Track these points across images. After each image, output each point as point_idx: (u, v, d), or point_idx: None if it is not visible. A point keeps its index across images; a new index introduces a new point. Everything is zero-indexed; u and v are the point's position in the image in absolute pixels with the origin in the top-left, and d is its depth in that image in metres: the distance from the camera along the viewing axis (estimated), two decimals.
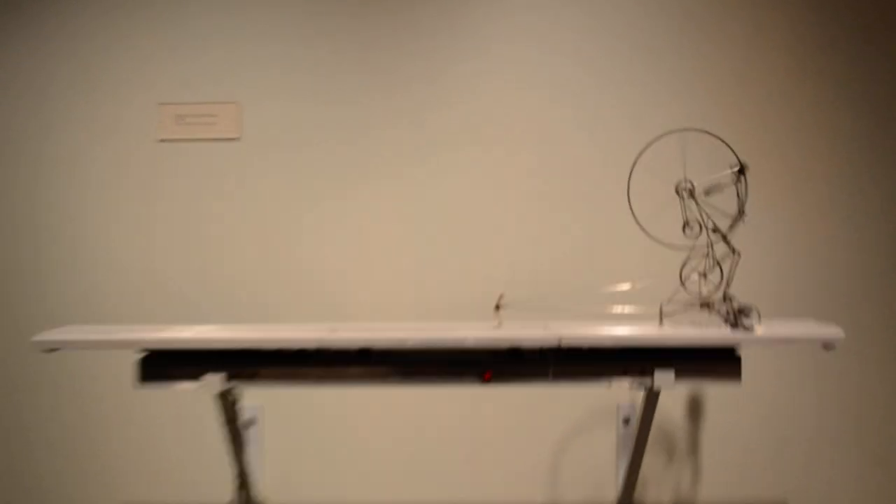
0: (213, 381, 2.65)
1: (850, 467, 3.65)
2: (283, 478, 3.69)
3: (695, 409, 3.63)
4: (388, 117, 3.66)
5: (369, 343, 2.64)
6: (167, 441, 3.73)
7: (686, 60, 3.62)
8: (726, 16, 3.62)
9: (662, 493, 3.63)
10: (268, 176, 3.70)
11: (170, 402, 3.71)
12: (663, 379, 2.63)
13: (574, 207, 3.64)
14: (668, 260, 2.75)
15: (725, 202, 2.72)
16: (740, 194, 2.70)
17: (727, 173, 2.71)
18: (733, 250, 2.73)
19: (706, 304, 2.72)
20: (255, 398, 2.95)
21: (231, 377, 2.66)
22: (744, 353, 2.67)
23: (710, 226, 2.72)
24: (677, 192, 2.73)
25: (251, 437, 3.00)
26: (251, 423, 2.99)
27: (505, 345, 2.64)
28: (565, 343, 2.57)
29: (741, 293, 2.73)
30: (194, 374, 2.65)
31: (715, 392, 3.63)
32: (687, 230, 2.72)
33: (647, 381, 2.64)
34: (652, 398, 2.77)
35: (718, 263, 2.73)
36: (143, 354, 2.69)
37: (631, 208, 2.73)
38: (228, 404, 2.88)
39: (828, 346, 2.64)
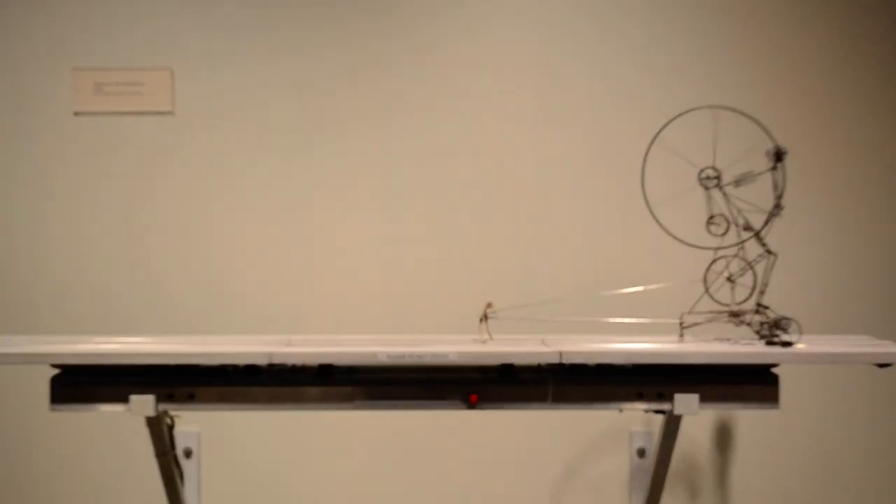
0: (143, 404, 2.60)
1: None
2: None
3: (723, 437, 3.64)
4: (352, 87, 3.68)
5: (331, 358, 2.62)
6: (88, 474, 3.72)
7: (715, 25, 3.66)
8: None
9: None
10: (206, 158, 3.69)
11: (91, 428, 3.70)
12: (686, 403, 2.59)
13: (577, 198, 3.67)
14: (689, 262, 2.75)
15: (759, 194, 2.72)
16: (777, 184, 2.69)
17: (762, 160, 2.71)
18: (768, 251, 2.73)
19: (735, 315, 2.73)
20: (194, 423, 2.97)
21: (165, 398, 2.62)
22: (781, 373, 2.65)
23: (741, 222, 2.73)
24: (701, 181, 2.73)
25: (189, 469, 3.03)
26: (189, 453, 2.96)
27: (495, 361, 2.63)
28: (567, 359, 2.55)
29: (777, 302, 2.73)
30: (121, 395, 2.60)
31: (747, 418, 3.64)
32: (712, 226, 2.72)
33: (667, 405, 2.62)
34: (672, 425, 2.75)
35: (750, 266, 2.73)
36: (56, 371, 2.64)
37: (646, 200, 2.74)
38: (162, 431, 2.85)
39: (883, 364, 2.61)
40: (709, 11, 3.68)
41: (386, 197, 3.69)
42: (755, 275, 2.73)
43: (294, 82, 3.70)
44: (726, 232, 2.72)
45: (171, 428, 2.87)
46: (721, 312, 2.73)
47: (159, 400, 2.61)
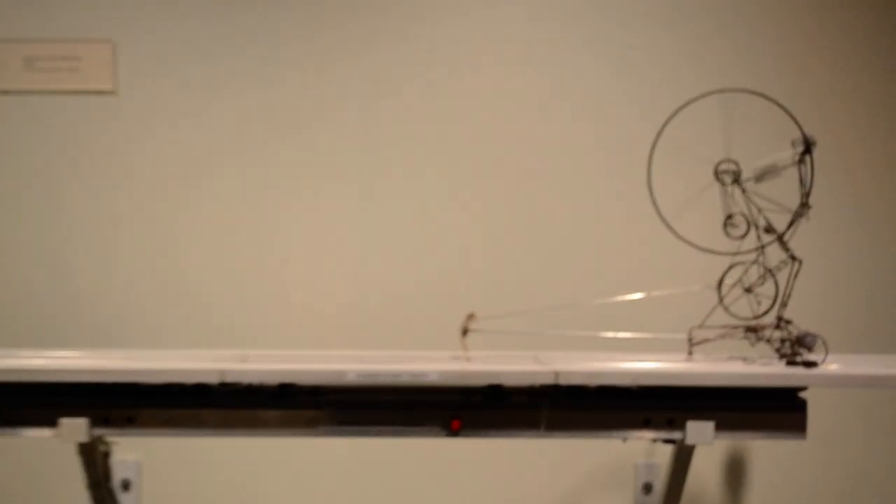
0: (75, 428, 2.58)
1: None
2: None
3: (735, 471, 3.66)
4: (323, 70, 3.70)
5: (293, 377, 2.60)
6: None
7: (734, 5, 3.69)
8: None
9: None
10: (153, 146, 3.69)
11: (13, 455, 3.69)
12: (700, 431, 2.58)
13: (575, 196, 3.70)
14: (702, 268, 2.76)
15: (783, 191, 2.71)
16: (804, 181, 2.69)
17: (787, 153, 2.70)
18: (792, 257, 2.72)
19: (752, 330, 2.73)
20: (134, 451, 3.03)
21: (100, 422, 2.60)
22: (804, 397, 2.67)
23: (762, 223, 2.72)
24: (717, 176, 2.73)
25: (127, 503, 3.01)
26: (127, 484, 3.04)
27: (481, 382, 2.61)
28: (564, 380, 2.53)
29: (801, 316, 2.71)
30: (48, 418, 2.58)
31: (763, 449, 3.67)
32: (729, 228, 2.71)
33: (678, 433, 2.62)
34: (683, 457, 2.75)
35: (772, 274, 2.72)
36: None
37: (652, 198, 2.73)
38: (95, 459, 2.83)
39: None
40: None
41: (359, 191, 3.71)
42: (776, 284, 2.72)
43: (256, 59, 3.71)
44: (745, 234, 2.71)
45: (106, 456, 2.86)
46: (736, 327, 2.73)
47: (93, 424, 2.59)
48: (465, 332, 2.75)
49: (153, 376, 2.57)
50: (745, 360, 2.72)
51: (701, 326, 2.71)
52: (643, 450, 3.09)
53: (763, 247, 2.73)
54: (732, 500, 3.69)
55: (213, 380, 2.56)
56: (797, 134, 2.69)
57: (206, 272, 3.68)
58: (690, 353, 2.73)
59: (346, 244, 3.70)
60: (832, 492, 3.72)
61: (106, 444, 2.85)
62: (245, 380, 2.59)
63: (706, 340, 2.71)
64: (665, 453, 2.84)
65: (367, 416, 2.64)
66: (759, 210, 2.71)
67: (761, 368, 2.62)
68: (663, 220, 2.72)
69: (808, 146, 2.69)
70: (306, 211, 3.71)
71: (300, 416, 2.64)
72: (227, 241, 3.71)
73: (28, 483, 3.67)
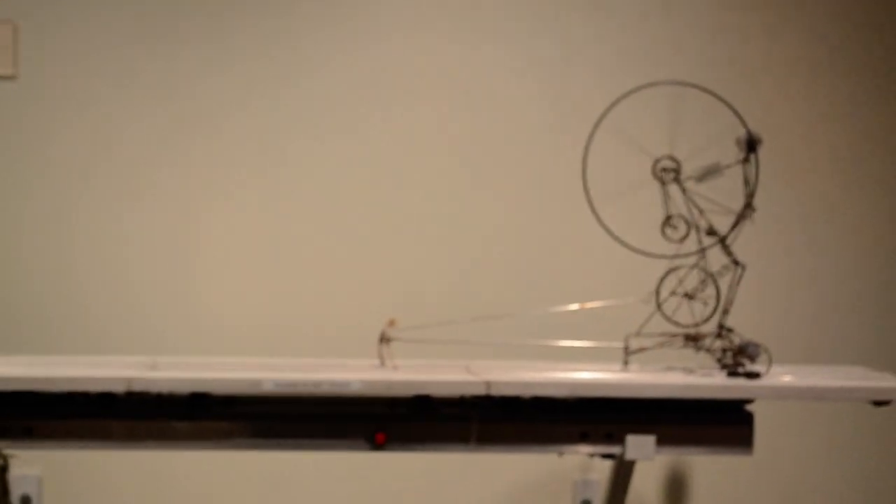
0: None
1: None
2: None
3: (677, 488, 3.68)
4: (230, 67, 3.72)
5: (206, 386, 2.56)
6: None
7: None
8: None
9: None
10: (57, 136, 3.66)
11: None
12: (640, 446, 2.58)
13: (504, 193, 3.70)
14: (639, 272, 2.66)
15: (726, 191, 2.68)
16: (748, 180, 2.67)
17: (731, 150, 2.68)
18: (735, 262, 2.70)
19: (692, 339, 2.70)
20: (34, 464, 2.94)
21: None
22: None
23: (703, 225, 2.69)
24: (656, 174, 2.69)
25: None
26: (27, 501, 2.98)
27: (408, 392, 2.59)
28: (496, 391, 2.52)
29: (744, 324, 2.70)
30: None
31: (706, 464, 3.67)
32: (668, 230, 2.68)
33: (617, 448, 2.60)
34: (623, 473, 2.74)
35: (713, 279, 2.69)
36: None
37: (587, 196, 2.69)
38: None
39: (880, 402, 2.61)
40: None
41: (274, 189, 3.72)
42: (718, 290, 2.69)
43: (166, 48, 3.67)
44: (685, 237, 2.68)
45: (3, 470, 2.84)
46: (675, 335, 2.69)
47: None
48: (384, 339, 2.69)
49: (54, 384, 2.52)
50: (684, 370, 2.70)
51: (638, 334, 2.67)
52: (580, 465, 3.06)
53: (704, 250, 2.70)
54: None
55: (120, 388, 2.51)
56: (742, 132, 2.66)
57: (111, 273, 3.64)
58: (626, 362, 2.69)
59: (261, 245, 3.69)
60: None
61: (3, 457, 2.80)
62: (154, 389, 2.53)
63: (643, 349, 2.68)
64: (604, 469, 2.83)
65: (286, 429, 2.61)
66: (701, 211, 2.68)
67: (705, 379, 2.62)
68: (598, 220, 2.68)
69: (753, 145, 2.67)
70: (217, 210, 3.69)
71: (213, 427, 2.60)
72: (134, 241, 3.68)
73: None
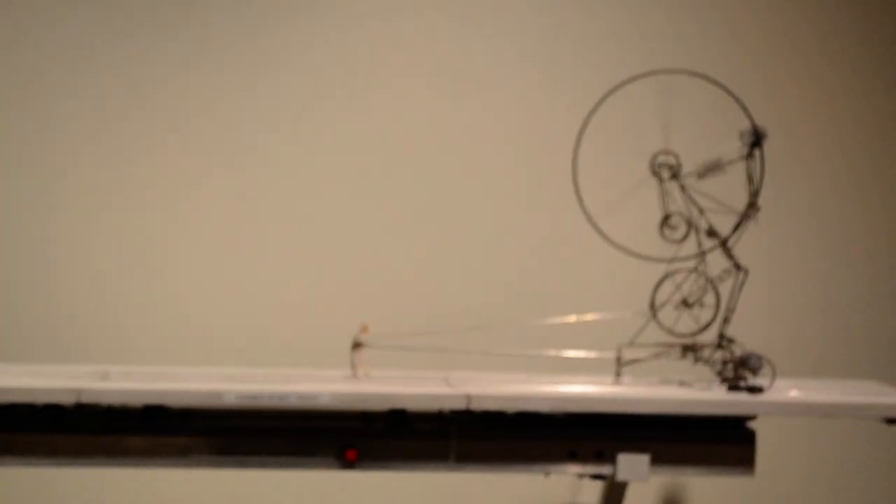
0: None
1: None
2: None
3: None
4: (198, 61, 3.67)
5: (162, 398, 2.49)
6: None
7: None
8: None
9: None
10: (23, 135, 3.66)
11: None
12: (633, 466, 2.53)
13: (491, 193, 3.69)
14: (634, 277, 2.67)
15: (729, 189, 2.62)
16: (753, 178, 2.62)
17: (734, 144, 2.63)
18: (737, 266, 2.65)
19: (691, 350, 2.65)
20: None
21: None
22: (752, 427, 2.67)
23: (704, 225, 2.65)
24: (653, 170, 2.64)
25: None
26: None
27: (382, 406, 2.54)
28: (477, 405, 2.47)
29: (746, 334, 2.66)
30: None
31: (703, 485, 3.65)
32: (666, 230, 2.64)
33: (608, 468, 2.55)
34: (615, 495, 2.73)
35: (713, 285, 2.64)
36: None
37: (577, 194, 2.64)
38: None
39: (894, 419, 2.58)
40: None
41: (240, 188, 3.69)
42: (718, 296, 2.64)
43: (126, 42, 3.66)
44: (684, 238, 2.63)
45: None
46: (672, 345, 2.64)
47: None
48: (356, 345, 2.65)
49: None
50: (681, 383, 2.65)
51: (631, 344, 2.61)
52: (569, 487, 3.03)
53: (704, 253, 2.65)
54: None
55: (68, 400, 2.45)
56: (746, 125, 2.60)
57: (56, 276, 3.61)
58: (619, 374, 2.64)
59: (227, 248, 3.68)
60: None
61: None
62: (105, 400, 2.48)
63: (637, 360, 2.63)
64: (594, 491, 2.78)
65: (249, 445, 2.55)
66: (701, 211, 2.63)
67: (704, 394, 2.57)
68: (589, 220, 2.64)
69: (759, 139, 2.61)
70: (177, 209, 3.68)
71: (170, 443, 2.53)
72: (85, 241, 3.64)
73: None
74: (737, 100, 2.60)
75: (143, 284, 3.66)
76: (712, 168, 2.62)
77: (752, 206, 2.62)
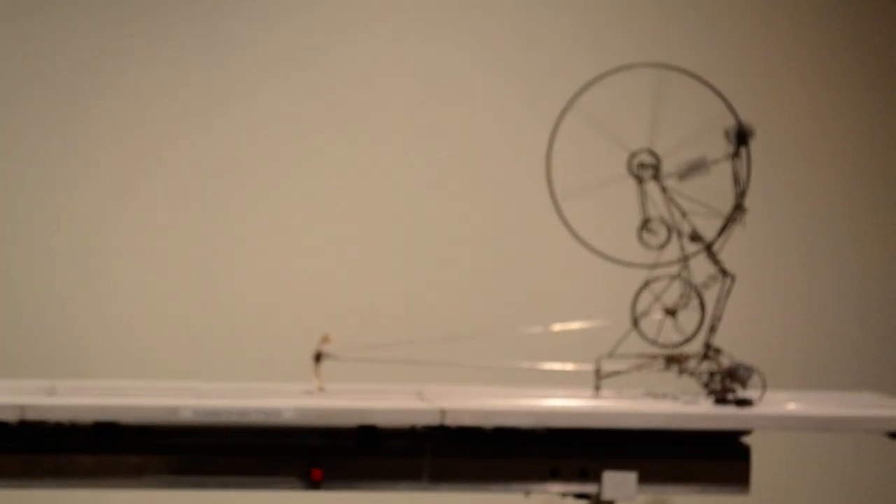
0: None
1: None
2: None
3: None
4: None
5: (114, 413, 2.45)
6: None
7: None
8: None
9: None
10: None
11: None
12: (619, 484, 2.48)
13: (462, 193, 3.73)
14: (613, 283, 2.64)
15: (713, 190, 2.59)
16: (739, 178, 2.60)
17: (719, 143, 2.62)
18: (723, 272, 2.63)
19: (675, 361, 2.62)
20: None
21: None
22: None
23: (686, 229, 2.61)
24: (632, 170, 2.61)
25: None
26: None
27: (350, 422, 2.49)
28: (452, 420, 2.43)
29: (734, 343, 2.62)
30: None
31: None
32: (646, 235, 2.61)
33: (592, 486, 2.50)
34: None
35: (698, 291, 2.61)
36: None
37: (552, 196, 2.62)
38: None
39: (895, 433, 2.57)
40: None
41: (199, 196, 3.62)
42: (703, 304, 2.62)
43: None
44: (666, 243, 2.60)
45: None
46: (655, 357, 2.61)
47: None
48: (318, 357, 2.59)
49: None
50: (664, 396, 2.63)
51: (611, 356, 2.55)
52: None
53: (687, 258, 2.62)
54: None
55: (12, 417, 2.40)
56: (731, 122, 2.56)
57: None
58: (598, 387, 2.59)
59: (184, 254, 3.63)
60: None
61: None
62: (52, 417, 2.44)
63: (617, 373, 2.58)
64: None
65: (207, 464, 2.48)
66: (683, 214, 2.60)
67: (695, 408, 2.53)
68: (565, 223, 2.64)
69: (745, 137, 2.62)
70: (127, 218, 3.62)
71: (123, 462, 2.47)
72: (32, 246, 3.58)
73: None
74: (721, 96, 2.60)
75: (94, 293, 3.62)
76: (695, 168, 2.63)
77: (739, 208, 2.60)
